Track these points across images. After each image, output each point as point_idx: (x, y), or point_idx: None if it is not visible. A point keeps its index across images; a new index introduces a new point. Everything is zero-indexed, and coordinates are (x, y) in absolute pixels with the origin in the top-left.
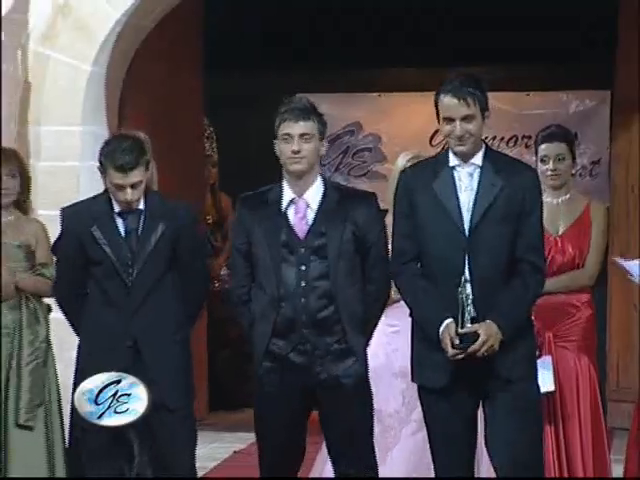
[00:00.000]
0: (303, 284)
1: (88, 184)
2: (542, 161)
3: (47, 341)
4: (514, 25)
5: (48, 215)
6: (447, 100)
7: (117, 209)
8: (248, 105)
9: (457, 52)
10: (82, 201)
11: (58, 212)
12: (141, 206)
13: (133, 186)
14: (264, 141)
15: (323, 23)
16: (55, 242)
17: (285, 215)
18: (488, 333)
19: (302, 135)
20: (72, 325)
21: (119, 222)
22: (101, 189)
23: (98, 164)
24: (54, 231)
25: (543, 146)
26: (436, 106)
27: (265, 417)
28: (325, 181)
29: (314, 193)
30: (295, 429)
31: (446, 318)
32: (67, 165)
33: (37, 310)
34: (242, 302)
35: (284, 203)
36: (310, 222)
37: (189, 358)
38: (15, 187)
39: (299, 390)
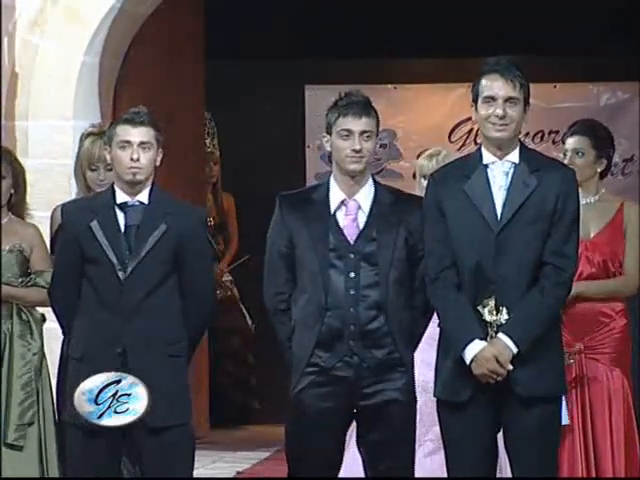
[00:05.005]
0: (352, 292)
1: None
2: (563, 156)
3: (41, 355)
4: (538, 13)
5: (37, 217)
6: (491, 78)
7: (120, 200)
8: (254, 98)
9: (478, 41)
10: (86, 197)
11: (48, 214)
12: (145, 200)
13: (141, 146)
14: (270, 136)
15: (333, 10)
16: (52, 239)
17: (334, 217)
18: (494, 351)
19: (363, 132)
20: (63, 328)
21: (120, 216)
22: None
23: (106, 145)
24: (44, 234)
25: (567, 140)
26: (473, 89)
27: (303, 435)
28: (375, 181)
29: (365, 194)
30: (334, 447)
31: (474, 338)
32: (58, 163)
33: (30, 321)
34: (280, 311)
35: (333, 204)
36: (361, 226)
37: (182, 375)
38: (6, 189)
39: (343, 405)
